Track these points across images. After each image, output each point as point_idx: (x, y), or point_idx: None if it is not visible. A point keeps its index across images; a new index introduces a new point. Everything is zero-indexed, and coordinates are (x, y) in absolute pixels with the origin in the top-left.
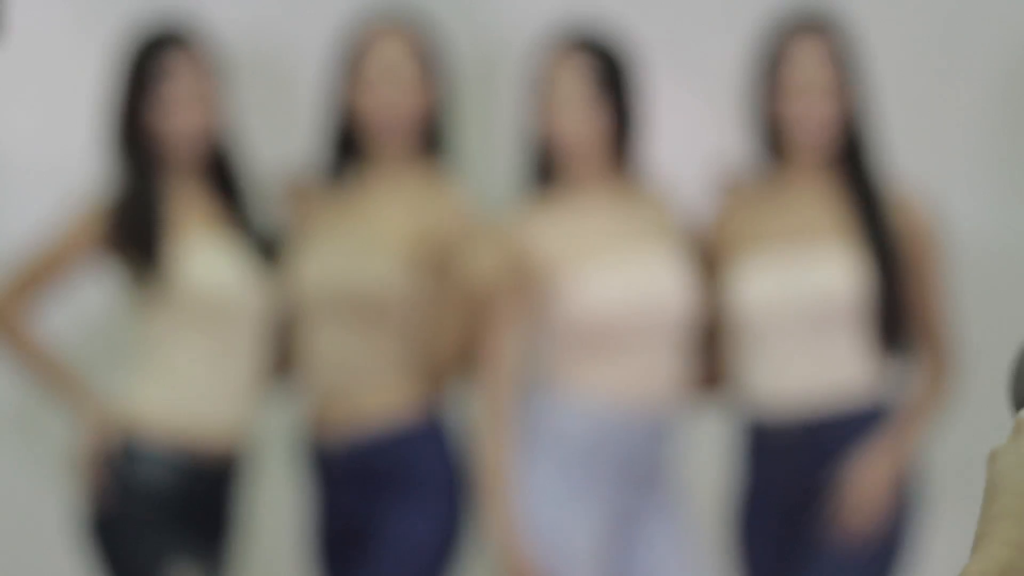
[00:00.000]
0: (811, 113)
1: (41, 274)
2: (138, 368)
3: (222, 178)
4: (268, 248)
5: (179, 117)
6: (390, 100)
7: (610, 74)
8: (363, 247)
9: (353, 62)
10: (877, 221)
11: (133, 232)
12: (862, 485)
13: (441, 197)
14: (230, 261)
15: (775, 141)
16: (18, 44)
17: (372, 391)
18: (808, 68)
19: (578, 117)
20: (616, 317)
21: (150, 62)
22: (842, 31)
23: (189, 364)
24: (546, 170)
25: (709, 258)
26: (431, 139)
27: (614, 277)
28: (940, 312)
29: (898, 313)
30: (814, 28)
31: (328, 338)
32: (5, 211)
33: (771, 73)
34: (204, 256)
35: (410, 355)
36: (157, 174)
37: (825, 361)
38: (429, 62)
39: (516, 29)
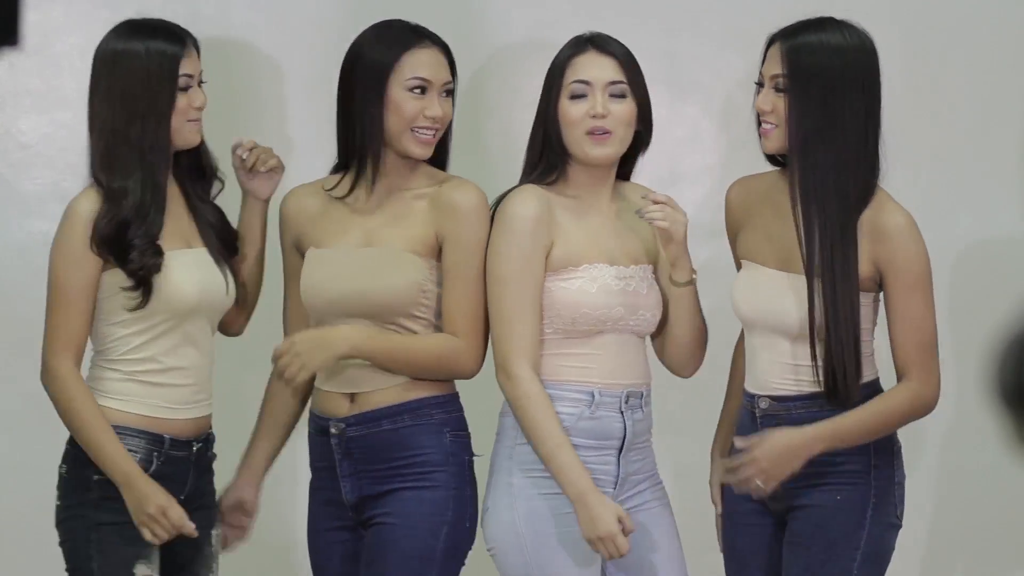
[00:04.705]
0: (776, 114)
1: (73, 323)
2: (113, 361)
3: (196, 180)
4: (230, 246)
5: (191, 127)
6: (444, 115)
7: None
8: (387, 255)
9: (403, 75)
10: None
11: (133, 246)
12: (768, 451)
13: (455, 197)
14: (204, 264)
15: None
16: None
17: (386, 380)
18: (769, 68)
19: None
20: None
21: (171, 70)
22: (823, 34)
23: (162, 359)
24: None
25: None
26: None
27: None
28: (909, 334)
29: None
30: (786, 32)
31: None
32: (26, 211)
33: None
34: (183, 261)
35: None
36: (163, 183)
37: (781, 366)
38: (455, 72)
39: (511, 44)
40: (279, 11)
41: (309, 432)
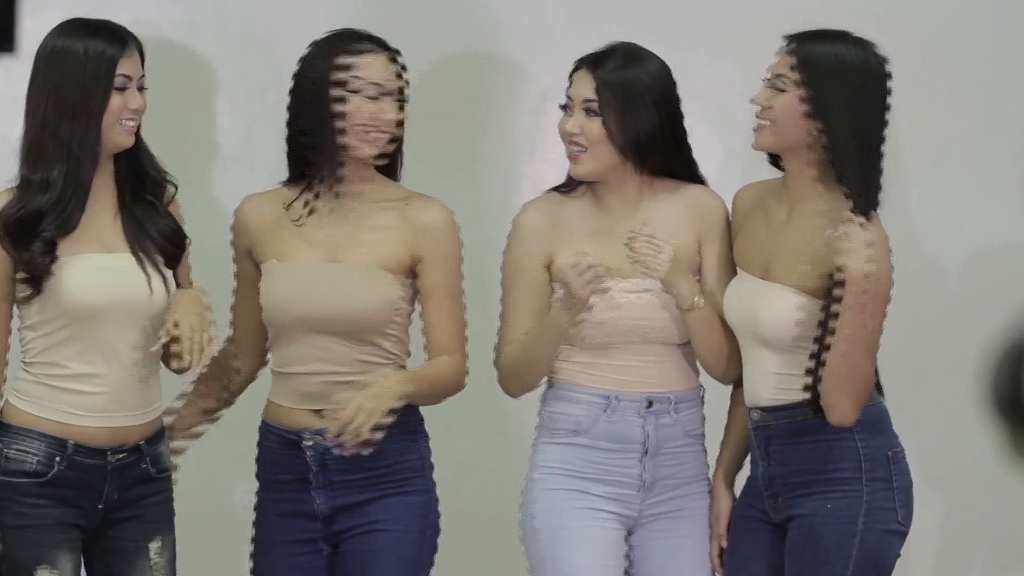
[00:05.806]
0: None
1: None
2: (27, 363)
3: (139, 184)
4: (172, 255)
5: (123, 129)
6: (384, 115)
7: None
8: (359, 272)
9: (339, 75)
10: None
11: (39, 237)
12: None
13: (427, 218)
14: (120, 269)
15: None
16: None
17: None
18: (775, 67)
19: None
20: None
21: (110, 67)
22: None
23: (68, 364)
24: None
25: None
26: (394, 153)
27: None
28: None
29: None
30: (793, 39)
31: (309, 348)
32: None
33: None
34: (89, 264)
35: (393, 353)
36: (87, 182)
37: (765, 376)
38: (404, 78)
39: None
40: (277, 14)
41: (265, 446)
